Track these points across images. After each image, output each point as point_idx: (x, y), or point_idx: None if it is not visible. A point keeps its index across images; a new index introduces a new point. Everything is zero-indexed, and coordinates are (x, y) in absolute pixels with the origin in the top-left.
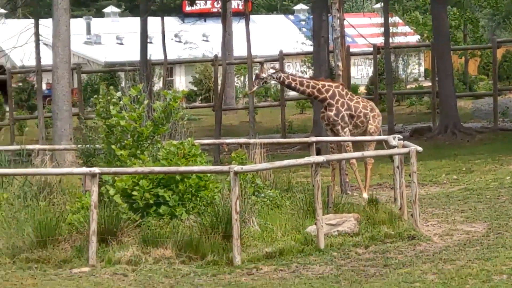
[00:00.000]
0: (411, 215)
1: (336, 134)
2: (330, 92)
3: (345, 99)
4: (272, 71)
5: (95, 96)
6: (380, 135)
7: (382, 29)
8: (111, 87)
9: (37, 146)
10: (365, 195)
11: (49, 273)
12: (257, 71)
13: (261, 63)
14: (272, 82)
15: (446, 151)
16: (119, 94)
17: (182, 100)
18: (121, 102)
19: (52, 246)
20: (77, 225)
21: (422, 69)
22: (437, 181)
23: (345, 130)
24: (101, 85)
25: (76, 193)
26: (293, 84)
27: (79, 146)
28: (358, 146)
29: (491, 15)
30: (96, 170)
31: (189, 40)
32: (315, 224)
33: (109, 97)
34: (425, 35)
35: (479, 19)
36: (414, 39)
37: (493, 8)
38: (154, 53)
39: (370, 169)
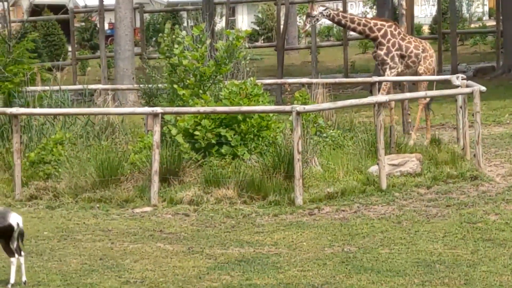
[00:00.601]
0: (474, 155)
1: (383, 73)
2: (382, 31)
3: (397, 39)
4: (322, 8)
5: (160, 34)
6: (433, 75)
7: None
8: (176, 26)
9: (99, 86)
10: (413, 136)
11: (111, 213)
12: (308, 11)
13: (312, 1)
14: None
15: (509, 91)
16: (184, 33)
17: (244, 40)
18: (184, 41)
19: (114, 186)
20: (139, 165)
21: (486, 8)
22: (500, 121)
23: (392, 70)
24: (166, 24)
25: (139, 133)
26: (343, 21)
27: (141, 86)
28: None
29: None
30: (158, 109)
31: None
32: (377, 164)
33: (173, 36)
34: None
35: None
36: None
37: None
38: None
39: (420, 110)
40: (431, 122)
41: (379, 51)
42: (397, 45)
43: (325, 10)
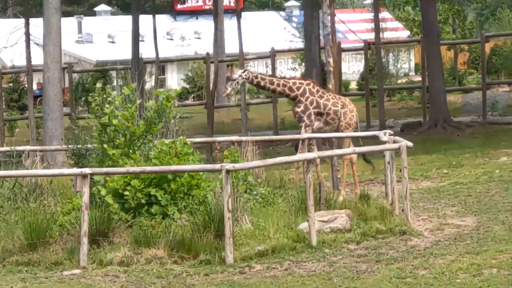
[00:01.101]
0: (402, 210)
1: (299, 130)
2: (301, 89)
3: (315, 97)
4: (240, 71)
5: (91, 94)
6: (356, 130)
7: (373, 24)
8: (108, 86)
9: (27, 147)
10: (343, 192)
11: (40, 276)
12: (227, 74)
13: (229, 65)
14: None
15: (436, 145)
16: (115, 93)
17: (174, 99)
18: (115, 101)
19: (43, 248)
20: (68, 227)
21: (412, 64)
22: (427, 176)
23: (307, 128)
24: (98, 83)
25: (67, 194)
26: (262, 83)
27: (70, 146)
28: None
29: (479, 9)
30: (87, 170)
31: (180, 37)
32: (307, 221)
33: (104, 96)
34: (414, 30)
35: (467, 14)
36: (404, 34)
37: (481, 3)
38: (146, 51)
39: (345, 165)
40: (359, 177)
41: (296, 108)
42: (315, 103)
43: (243, 72)
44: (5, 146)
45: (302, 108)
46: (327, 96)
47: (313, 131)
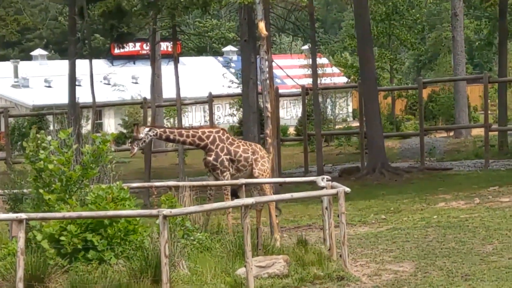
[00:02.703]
0: (340, 255)
1: (217, 178)
2: (211, 138)
3: (225, 144)
4: (147, 129)
5: (25, 139)
6: (270, 177)
7: (310, 70)
8: (42, 131)
9: None
10: (277, 236)
11: None
12: (134, 134)
13: (135, 124)
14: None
15: (374, 191)
16: (49, 138)
17: (111, 143)
18: (50, 146)
19: None
20: (3, 272)
21: (350, 109)
22: (365, 221)
23: (224, 174)
24: (32, 129)
25: (3, 239)
26: (171, 137)
27: (5, 191)
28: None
29: (416, 55)
30: (22, 215)
31: (118, 82)
32: (245, 266)
33: (39, 141)
34: (352, 76)
35: (404, 60)
36: (342, 80)
37: (416, 49)
38: (83, 95)
39: (272, 209)
40: (297, 223)
41: (208, 157)
42: (225, 150)
43: (150, 130)
44: None
45: (213, 156)
46: (237, 143)
47: (234, 176)
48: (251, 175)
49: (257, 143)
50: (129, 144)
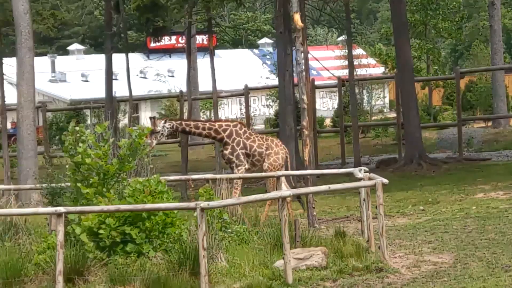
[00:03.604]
0: (379, 247)
1: (232, 171)
2: (228, 131)
3: (241, 138)
4: (163, 122)
5: (64, 133)
6: (280, 170)
7: (346, 61)
8: (81, 124)
9: (1, 186)
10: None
11: None
12: (151, 127)
13: (152, 118)
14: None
15: (412, 182)
16: (88, 131)
17: (147, 137)
18: (88, 139)
19: (18, 287)
20: (43, 266)
21: (386, 100)
22: (404, 212)
23: (239, 168)
24: (71, 122)
25: (42, 233)
26: (187, 129)
27: (43, 185)
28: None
29: (453, 45)
30: (61, 209)
31: (156, 75)
32: (283, 258)
33: (77, 135)
34: (389, 64)
35: (440, 50)
36: (378, 70)
37: (454, 38)
38: (120, 89)
39: (268, 205)
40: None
41: (224, 151)
42: (241, 144)
43: (166, 122)
44: None
45: (229, 150)
46: (253, 137)
47: (249, 170)
48: (262, 169)
49: (273, 138)
50: (147, 138)
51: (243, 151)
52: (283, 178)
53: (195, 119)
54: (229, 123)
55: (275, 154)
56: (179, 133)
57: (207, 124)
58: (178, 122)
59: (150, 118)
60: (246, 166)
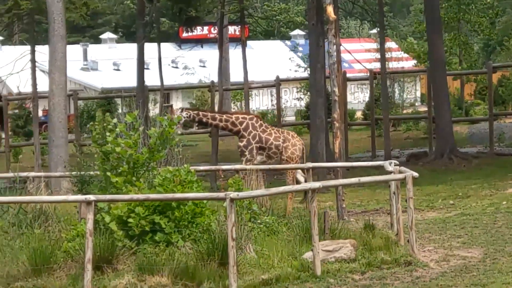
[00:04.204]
0: (408, 240)
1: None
2: (244, 124)
3: (257, 131)
4: (179, 111)
5: (91, 123)
6: (298, 163)
7: (378, 54)
8: (107, 114)
9: (32, 173)
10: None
11: None
12: (168, 115)
13: (169, 106)
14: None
15: (442, 176)
16: (115, 120)
17: (178, 126)
18: (117, 129)
19: (47, 274)
20: (72, 253)
21: (418, 94)
22: (433, 206)
23: (249, 163)
24: (97, 112)
25: (72, 221)
26: (204, 120)
27: (73, 173)
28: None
29: (486, 40)
30: (91, 197)
31: (186, 65)
32: (312, 250)
33: (105, 124)
34: (421, 57)
35: (473, 44)
36: (410, 64)
37: (488, 34)
38: (151, 79)
39: (290, 199)
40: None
41: (239, 143)
42: (257, 138)
43: (183, 111)
44: (10, 172)
45: (244, 142)
46: (269, 130)
47: (266, 163)
48: (281, 162)
49: (289, 131)
50: None
51: (258, 145)
52: (299, 170)
53: (213, 110)
54: (245, 116)
55: (293, 146)
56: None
57: (224, 116)
58: (195, 112)
59: (167, 106)
60: (257, 161)
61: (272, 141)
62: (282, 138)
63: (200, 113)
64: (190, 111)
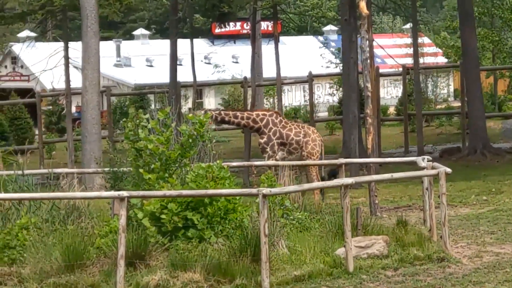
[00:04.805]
0: (441, 236)
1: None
2: (264, 121)
3: (278, 127)
4: (202, 112)
5: (123, 119)
6: (318, 159)
7: (411, 49)
8: (140, 110)
9: (65, 170)
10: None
11: None
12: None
13: (190, 108)
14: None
15: (475, 172)
16: (147, 116)
17: (210, 123)
18: (149, 125)
19: (80, 270)
20: (105, 249)
21: (451, 89)
22: (466, 202)
23: (271, 159)
24: (130, 108)
25: (104, 217)
26: (226, 119)
27: (106, 169)
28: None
29: None
30: (124, 193)
31: (218, 63)
32: (344, 246)
33: (137, 120)
34: (453, 55)
35: (506, 40)
36: (443, 59)
37: None
38: (184, 75)
39: (316, 194)
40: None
41: (260, 140)
42: (278, 134)
43: (205, 113)
44: (43, 168)
45: (265, 139)
46: (290, 126)
47: (287, 159)
48: (301, 157)
49: (310, 126)
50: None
51: (279, 140)
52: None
53: (233, 109)
54: (265, 112)
55: (313, 141)
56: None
57: (245, 114)
58: (217, 112)
59: (189, 108)
60: (278, 157)
61: (293, 136)
62: (302, 133)
63: (222, 112)
64: (212, 112)
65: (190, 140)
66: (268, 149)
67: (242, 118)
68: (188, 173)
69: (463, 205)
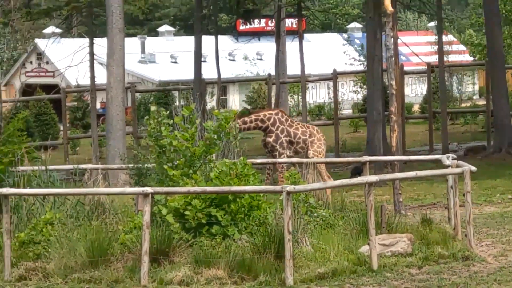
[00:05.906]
0: (465, 235)
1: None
2: (271, 120)
3: (284, 126)
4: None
5: (145, 117)
6: (323, 157)
7: (436, 47)
8: (161, 108)
9: (89, 166)
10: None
11: None
12: None
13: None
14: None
15: (500, 170)
16: (167, 113)
17: (235, 119)
18: (171, 121)
19: (104, 266)
20: (129, 245)
21: (476, 87)
22: (491, 201)
23: (282, 156)
24: (151, 106)
25: (129, 213)
26: (237, 125)
27: (130, 165)
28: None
29: None
30: (148, 189)
31: (247, 56)
32: (368, 244)
33: (159, 118)
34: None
35: None
36: (468, 57)
37: None
38: (208, 71)
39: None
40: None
41: (268, 138)
42: (285, 132)
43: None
44: (68, 164)
45: (274, 137)
46: (296, 125)
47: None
48: (307, 157)
49: (313, 125)
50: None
51: (287, 138)
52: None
53: (241, 116)
54: (271, 111)
55: (318, 140)
56: None
57: (253, 116)
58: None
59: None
60: (288, 153)
61: (300, 135)
62: (308, 133)
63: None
64: None
65: (215, 136)
66: (277, 147)
67: (251, 122)
68: (212, 169)
69: (488, 204)
